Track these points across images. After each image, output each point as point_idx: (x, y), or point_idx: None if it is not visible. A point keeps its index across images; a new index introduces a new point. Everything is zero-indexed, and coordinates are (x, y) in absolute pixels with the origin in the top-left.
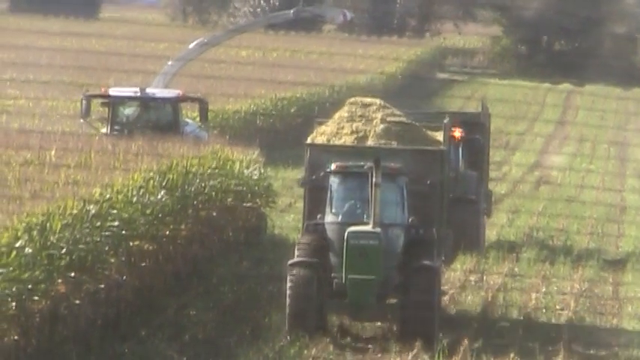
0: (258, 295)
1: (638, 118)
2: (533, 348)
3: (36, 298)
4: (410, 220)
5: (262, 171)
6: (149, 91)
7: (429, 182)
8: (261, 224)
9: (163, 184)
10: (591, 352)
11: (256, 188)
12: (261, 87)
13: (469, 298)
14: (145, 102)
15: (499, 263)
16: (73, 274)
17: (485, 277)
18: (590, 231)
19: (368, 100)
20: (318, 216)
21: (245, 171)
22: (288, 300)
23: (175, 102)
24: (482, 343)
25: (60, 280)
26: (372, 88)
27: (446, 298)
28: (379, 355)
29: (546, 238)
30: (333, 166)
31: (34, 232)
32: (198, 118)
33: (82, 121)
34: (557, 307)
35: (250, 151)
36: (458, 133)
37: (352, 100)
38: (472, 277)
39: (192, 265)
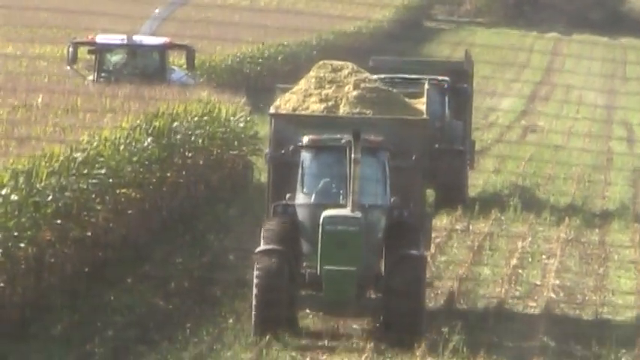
0: (244, 244)
1: (625, 66)
2: (516, 300)
3: (22, 245)
4: (392, 200)
5: (249, 119)
6: (136, 38)
7: (414, 157)
8: (248, 172)
9: (150, 131)
10: (576, 302)
11: (243, 136)
12: (249, 34)
13: (455, 245)
14: (132, 49)
15: (485, 211)
16: (59, 222)
17: (471, 226)
18: (576, 179)
19: (338, 63)
20: (287, 196)
21: (232, 119)
22: (254, 294)
23: (162, 49)
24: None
25: (46, 228)
26: (360, 35)
27: (432, 245)
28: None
29: (533, 186)
30: (305, 140)
31: (20, 179)
32: (185, 66)
33: (68, 68)
34: (544, 255)
35: (237, 98)
36: (444, 82)
37: (320, 63)
38: (458, 226)
39: (178, 213)
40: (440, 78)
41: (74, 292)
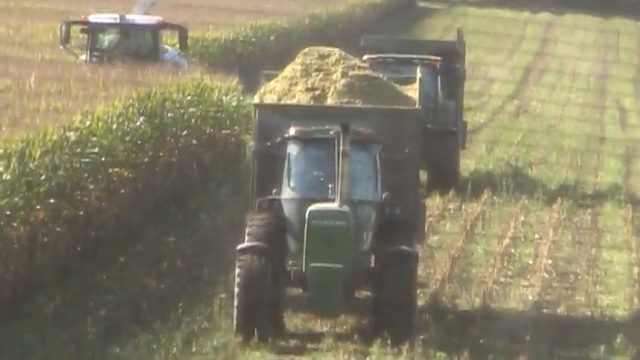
0: (236, 223)
1: (617, 48)
2: (508, 281)
3: (15, 224)
4: (384, 196)
5: (241, 98)
6: (129, 17)
7: (407, 150)
8: (240, 151)
9: (142, 111)
10: (569, 281)
11: (235, 115)
12: (242, 15)
13: (448, 226)
14: (125, 29)
15: (478, 192)
16: (52, 201)
17: (463, 206)
18: (569, 161)
19: (325, 49)
20: (273, 191)
21: (224, 98)
22: (237, 292)
23: (155, 29)
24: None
25: (39, 207)
26: (353, 15)
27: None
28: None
29: (525, 167)
30: (292, 131)
31: (14, 159)
32: (177, 46)
33: (61, 47)
34: (536, 236)
35: (229, 78)
36: (437, 62)
37: (306, 50)
38: (451, 206)
39: (171, 192)
40: (433, 58)
41: (67, 272)
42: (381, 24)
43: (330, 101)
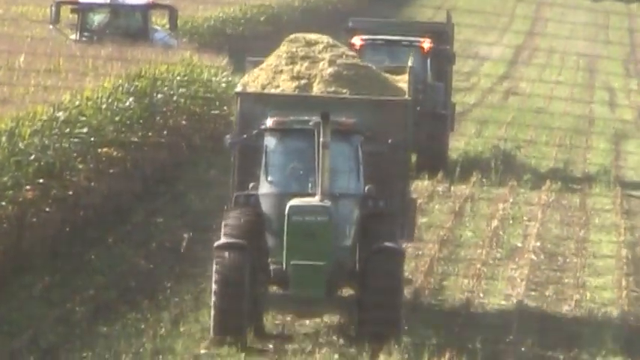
0: (225, 203)
1: (607, 30)
2: (497, 262)
3: (3, 204)
4: (366, 189)
5: (231, 79)
6: None
7: (390, 141)
8: (229, 131)
9: (132, 91)
10: (557, 264)
11: (224, 96)
12: None
13: (437, 207)
14: (115, 9)
15: (466, 174)
16: (41, 181)
17: (452, 188)
18: (558, 142)
19: (312, 36)
20: (250, 185)
21: (213, 79)
22: (214, 290)
23: (145, 9)
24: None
25: (28, 187)
26: None
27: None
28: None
29: (514, 149)
30: (269, 122)
31: (3, 138)
32: (167, 26)
33: (51, 27)
34: (525, 218)
35: (219, 58)
36: (427, 44)
37: (292, 37)
38: (439, 187)
39: (160, 172)
40: (422, 39)
41: (55, 252)
42: (372, 6)
43: (316, 91)
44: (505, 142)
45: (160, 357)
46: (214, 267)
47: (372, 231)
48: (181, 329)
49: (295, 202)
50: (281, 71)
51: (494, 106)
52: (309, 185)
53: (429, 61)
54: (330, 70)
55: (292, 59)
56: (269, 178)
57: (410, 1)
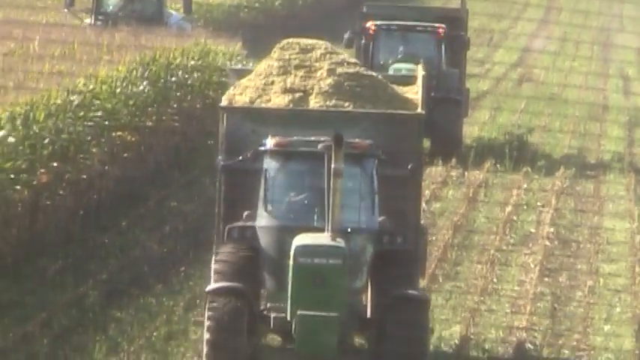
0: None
1: (622, 18)
2: (510, 248)
3: (18, 187)
4: (380, 221)
5: (245, 63)
6: None
7: (410, 167)
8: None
9: (146, 75)
10: (571, 250)
11: None
12: None
13: (450, 193)
14: None
15: (480, 160)
16: (55, 164)
17: (466, 173)
18: (572, 129)
19: (308, 41)
20: (245, 214)
21: (227, 63)
22: (206, 339)
23: None
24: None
25: (42, 170)
26: None
27: (427, 192)
28: None
29: (528, 136)
30: (270, 142)
31: (18, 122)
32: (182, 10)
33: (66, 11)
34: (539, 204)
35: (233, 43)
36: (441, 29)
37: (284, 42)
38: (453, 173)
39: (173, 156)
40: (437, 25)
41: (69, 235)
42: None
43: (313, 105)
44: (519, 128)
45: (173, 342)
46: (207, 313)
47: (389, 273)
48: (195, 314)
49: (302, 240)
50: (272, 82)
51: (508, 93)
52: (316, 218)
53: (443, 46)
54: (330, 80)
55: (285, 68)
56: (269, 208)
57: None
